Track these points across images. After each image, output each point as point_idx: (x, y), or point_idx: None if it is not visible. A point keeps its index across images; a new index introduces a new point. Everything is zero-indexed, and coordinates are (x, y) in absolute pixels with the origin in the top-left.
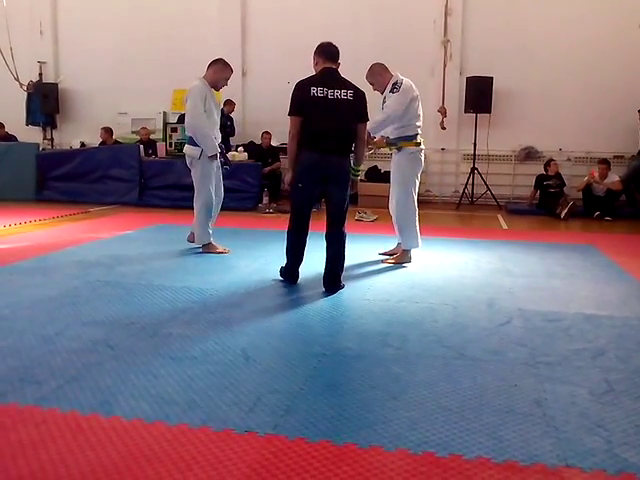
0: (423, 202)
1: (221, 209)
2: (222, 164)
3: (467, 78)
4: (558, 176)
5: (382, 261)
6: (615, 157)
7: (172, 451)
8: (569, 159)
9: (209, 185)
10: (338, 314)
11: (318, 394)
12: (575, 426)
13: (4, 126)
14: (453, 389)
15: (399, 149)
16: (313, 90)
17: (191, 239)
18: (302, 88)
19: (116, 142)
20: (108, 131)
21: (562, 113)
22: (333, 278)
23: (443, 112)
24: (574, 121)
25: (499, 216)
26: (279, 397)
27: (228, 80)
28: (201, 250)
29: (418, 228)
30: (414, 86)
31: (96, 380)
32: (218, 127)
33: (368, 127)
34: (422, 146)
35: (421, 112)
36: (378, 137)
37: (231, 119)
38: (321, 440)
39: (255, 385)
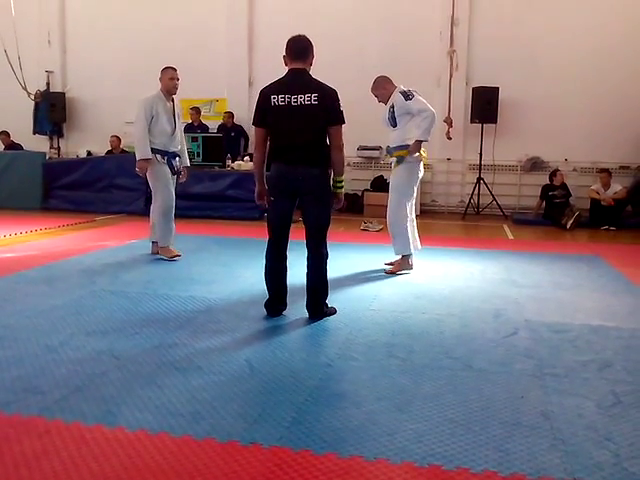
0: (429, 212)
1: (227, 218)
2: (172, 172)
3: (473, 88)
4: (564, 186)
5: (385, 271)
6: (621, 167)
7: (176, 463)
8: (575, 169)
9: (164, 187)
10: (343, 325)
11: (323, 405)
12: (582, 439)
13: (10, 135)
14: (459, 401)
15: (399, 160)
16: (274, 99)
17: (155, 251)
18: (263, 97)
19: (123, 151)
20: (118, 139)
21: (568, 123)
22: (315, 307)
23: (449, 122)
24: (580, 131)
25: (505, 226)
26: (284, 408)
27: (174, 79)
28: (157, 252)
29: (410, 235)
30: None
31: (100, 390)
32: (172, 135)
33: (421, 137)
34: (423, 154)
35: None
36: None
37: (237, 129)
38: (326, 452)
39: (260, 396)
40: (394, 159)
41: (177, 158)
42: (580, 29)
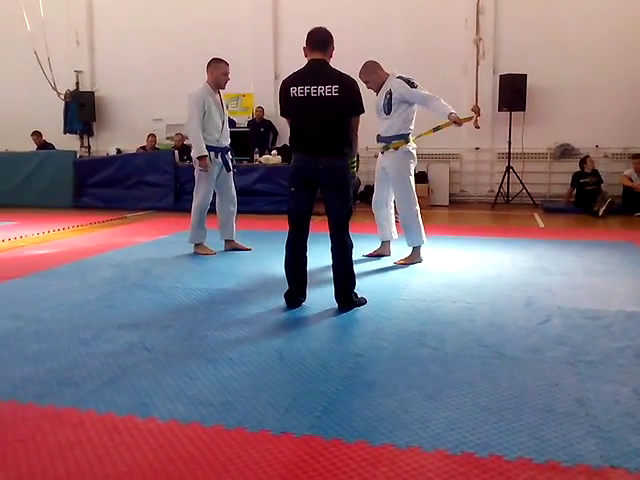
0: (458, 202)
1: (255, 212)
2: (227, 168)
3: (500, 76)
4: (595, 173)
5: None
6: None
7: (208, 452)
8: (606, 156)
9: (206, 188)
10: (373, 314)
11: (355, 394)
12: (619, 425)
13: (42, 135)
14: (492, 389)
15: (395, 148)
16: (293, 90)
17: (228, 247)
18: (284, 88)
19: (155, 148)
20: (155, 137)
21: (598, 109)
22: (343, 297)
23: (477, 111)
24: (610, 116)
25: (535, 215)
26: (315, 398)
27: (227, 75)
28: (193, 250)
29: (422, 224)
30: None
31: (132, 382)
32: (222, 129)
33: (445, 112)
34: (414, 144)
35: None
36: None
37: (266, 124)
38: (358, 441)
39: (291, 386)
40: (392, 149)
41: (229, 152)
42: (607, 10)
